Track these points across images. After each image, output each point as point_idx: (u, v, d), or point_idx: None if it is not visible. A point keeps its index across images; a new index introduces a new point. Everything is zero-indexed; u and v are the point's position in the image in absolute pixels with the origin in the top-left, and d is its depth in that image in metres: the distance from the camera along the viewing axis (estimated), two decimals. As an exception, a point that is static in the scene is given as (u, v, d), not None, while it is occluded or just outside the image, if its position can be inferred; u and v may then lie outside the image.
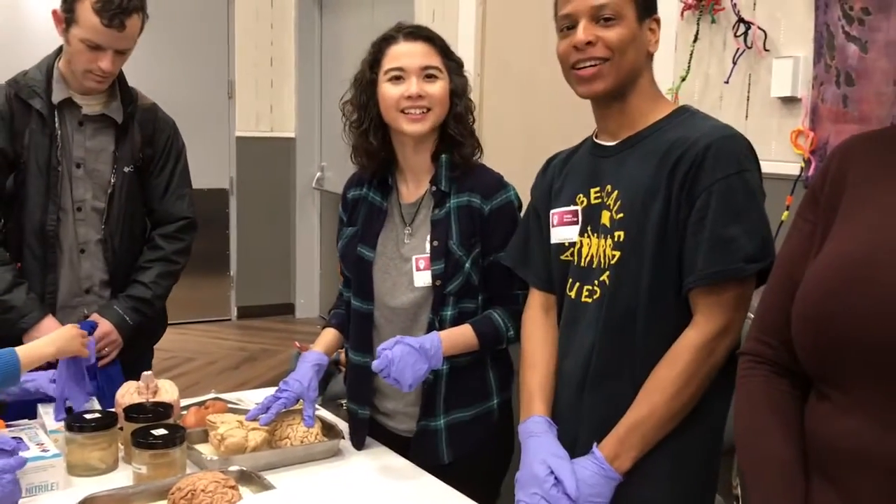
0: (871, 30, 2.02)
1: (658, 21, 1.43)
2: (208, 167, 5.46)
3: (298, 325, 5.63)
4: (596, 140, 1.49)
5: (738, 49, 2.33)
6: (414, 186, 1.72)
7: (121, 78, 2.05)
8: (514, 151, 3.40)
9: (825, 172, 1.09)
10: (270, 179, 5.70)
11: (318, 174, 5.68)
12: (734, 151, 1.32)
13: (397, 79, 1.63)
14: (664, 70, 2.45)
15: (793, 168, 2.20)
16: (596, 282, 1.40)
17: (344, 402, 1.95)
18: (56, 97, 1.98)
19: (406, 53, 1.64)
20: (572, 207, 1.46)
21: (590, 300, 1.41)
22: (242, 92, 5.54)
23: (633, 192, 1.37)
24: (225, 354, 5.02)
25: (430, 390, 1.67)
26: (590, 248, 1.42)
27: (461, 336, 1.63)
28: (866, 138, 1.09)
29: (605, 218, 1.40)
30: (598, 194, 1.42)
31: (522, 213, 1.66)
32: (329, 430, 1.74)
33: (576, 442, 1.40)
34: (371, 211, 1.74)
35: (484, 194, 1.66)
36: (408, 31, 1.66)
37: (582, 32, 1.36)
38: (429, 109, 1.63)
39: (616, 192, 1.39)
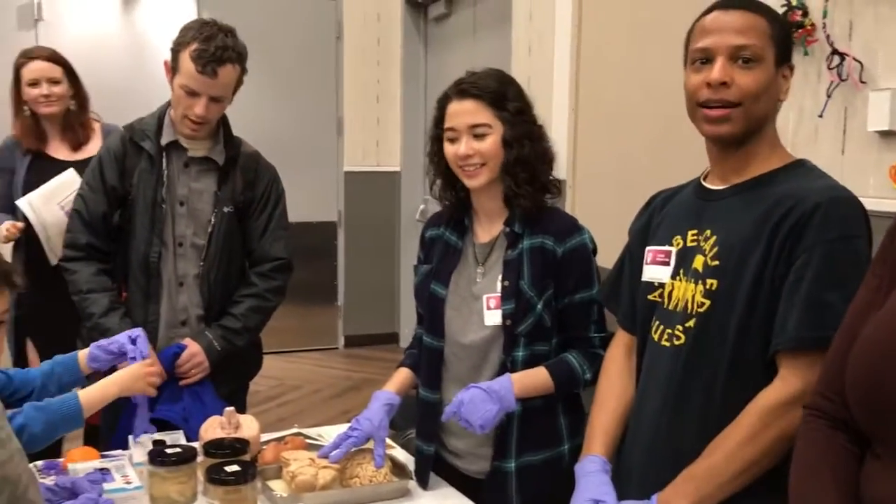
0: (973, 60, 1.90)
1: (792, 68, 1.38)
2: (318, 201, 5.68)
3: (402, 354, 5.72)
4: (703, 182, 1.45)
5: (832, 81, 2.24)
6: (488, 227, 1.75)
7: (225, 124, 2.21)
8: (608, 185, 3.37)
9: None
10: (376, 212, 5.85)
11: (422, 207, 5.78)
12: (844, 215, 1.27)
13: (452, 139, 1.68)
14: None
15: (891, 205, 2.08)
16: (679, 327, 1.37)
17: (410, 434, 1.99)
18: (164, 139, 2.15)
19: (456, 113, 1.67)
20: (667, 248, 1.43)
21: (668, 344, 1.38)
22: (350, 128, 5.73)
23: (731, 241, 1.33)
24: (330, 383, 5.16)
25: (504, 432, 1.67)
26: (679, 291, 1.39)
27: (534, 378, 1.64)
28: None
29: (699, 262, 1.37)
30: (695, 237, 1.39)
31: (620, 253, 1.64)
32: (399, 471, 1.77)
33: (632, 493, 1.37)
34: (447, 250, 1.78)
35: (557, 237, 1.67)
36: (458, 90, 1.69)
37: (718, 71, 1.31)
38: (483, 164, 1.66)
39: (714, 238, 1.36)
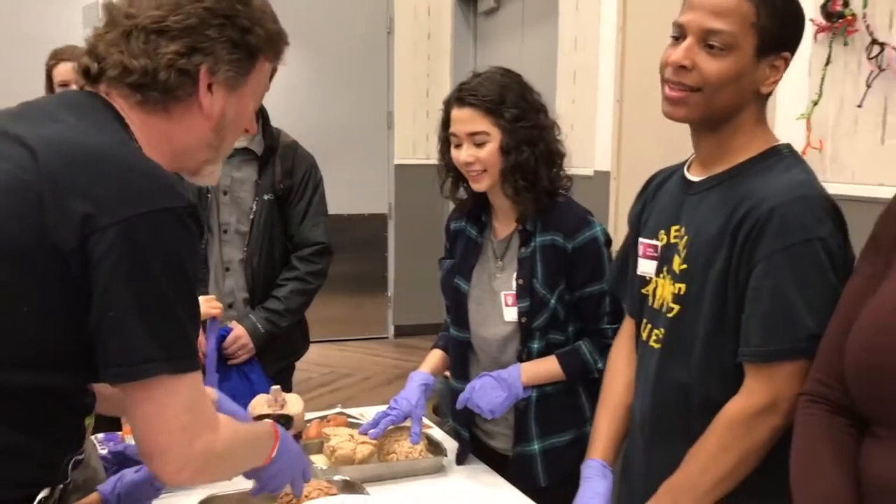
0: None
1: (786, 59, 1.27)
2: (369, 194, 5.80)
3: (450, 345, 5.81)
4: (686, 172, 1.41)
5: (871, 71, 2.23)
6: (505, 223, 1.81)
7: (263, 116, 2.30)
8: (654, 170, 3.38)
9: (889, 215, 1.09)
10: (426, 204, 5.92)
11: (471, 199, 5.85)
12: (801, 217, 1.19)
13: (456, 144, 1.73)
14: (797, 95, 2.39)
15: (930, 196, 2.08)
16: (661, 330, 1.36)
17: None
18: None
19: (457, 119, 1.72)
20: (654, 242, 1.41)
21: (654, 345, 1.38)
22: (400, 122, 5.82)
23: (698, 244, 1.30)
24: (380, 371, 5.27)
25: (522, 417, 1.75)
26: (662, 290, 1.37)
27: (544, 367, 1.71)
28: None
29: (675, 263, 1.34)
30: (677, 234, 1.36)
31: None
32: (434, 448, 1.85)
33: (640, 491, 1.39)
34: (468, 244, 1.85)
35: (566, 233, 1.71)
36: (458, 97, 1.72)
37: (680, 53, 1.24)
38: (483, 170, 1.70)
39: (686, 238, 1.33)
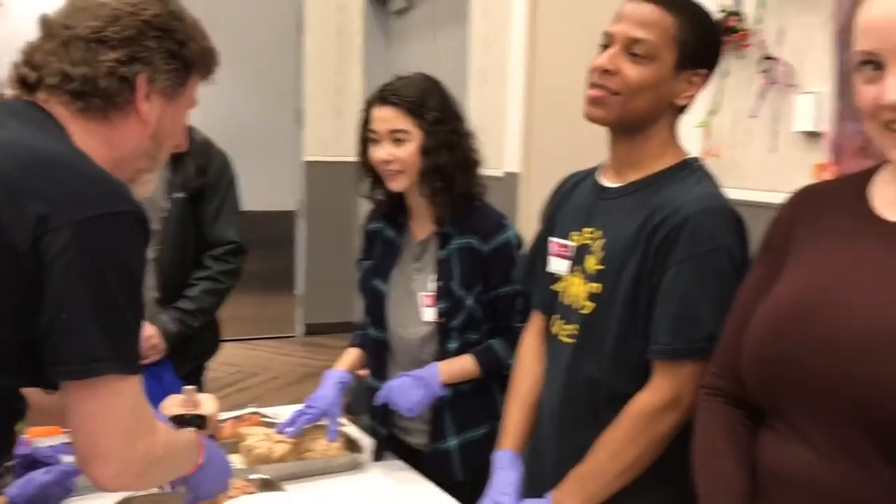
0: (888, 67, 2.05)
1: (703, 77, 1.36)
2: (277, 191, 5.74)
3: (360, 343, 5.82)
4: (598, 177, 1.48)
5: (763, 84, 2.38)
6: (423, 225, 1.84)
7: None
8: (561, 176, 3.48)
9: (779, 220, 1.17)
10: (338, 202, 5.92)
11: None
12: (710, 228, 1.30)
13: (375, 141, 1.76)
14: (697, 104, 2.50)
15: (815, 201, 2.24)
16: (573, 326, 1.43)
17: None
18: None
19: (377, 118, 1.75)
20: (566, 242, 1.48)
21: (565, 341, 1.45)
22: (311, 119, 5.79)
23: (614, 247, 1.37)
24: (288, 370, 5.23)
25: (438, 413, 1.79)
26: (574, 288, 1.44)
27: (459, 366, 1.76)
28: (823, 185, 1.19)
29: (589, 263, 1.42)
30: (590, 235, 1.43)
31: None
32: (351, 445, 1.87)
33: (547, 480, 1.44)
34: (386, 246, 1.88)
35: (482, 236, 1.76)
36: (380, 96, 1.76)
37: (605, 58, 1.33)
38: (400, 171, 1.74)
39: (602, 241, 1.40)
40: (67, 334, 0.98)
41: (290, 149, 5.80)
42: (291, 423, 1.81)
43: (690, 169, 1.39)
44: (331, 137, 5.86)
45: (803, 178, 2.30)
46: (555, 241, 1.50)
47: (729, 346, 1.16)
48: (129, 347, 1.04)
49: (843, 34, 2.14)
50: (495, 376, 1.80)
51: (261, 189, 5.77)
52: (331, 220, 5.90)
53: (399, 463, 1.86)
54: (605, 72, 1.33)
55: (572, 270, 1.45)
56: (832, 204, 1.11)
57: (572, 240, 1.47)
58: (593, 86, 1.36)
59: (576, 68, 3.34)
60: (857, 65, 1.02)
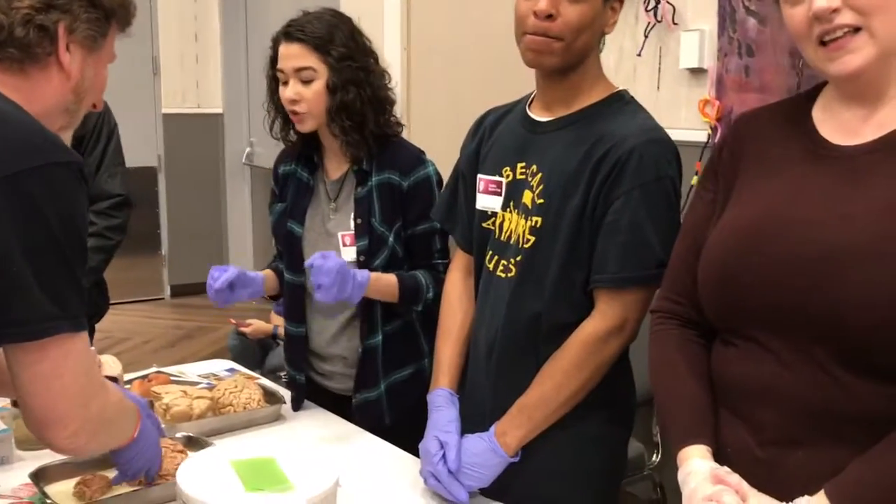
0: (767, 5, 2.16)
1: (622, 1, 1.38)
2: (135, 145, 5.35)
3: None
4: (529, 112, 1.46)
5: (649, 23, 2.46)
6: (337, 164, 1.79)
7: None
8: (442, 122, 3.48)
9: (723, 145, 1.20)
10: (199, 156, 5.67)
11: (248, 149, 5.66)
12: (657, 157, 1.32)
13: (283, 82, 1.70)
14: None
15: (701, 135, 2.35)
16: (512, 260, 1.42)
17: (283, 373, 2.04)
18: None
19: (284, 55, 1.69)
20: (497, 178, 1.46)
21: (503, 276, 1.44)
22: (167, 68, 5.47)
23: (555, 180, 1.37)
24: (160, 333, 5.01)
25: (367, 363, 1.76)
26: (510, 223, 1.43)
27: (386, 284, 1.70)
28: (761, 112, 1.19)
29: (527, 198, 1.41)
30: (524, 171, 1.42)
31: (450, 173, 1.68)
32: (271, 397, 1.82)
33: (485, 415, 1.46)
34: (299, 187, 1.82)
35: (402, 171, 1.73)
36: (285, 32, 1.70)
37: (545, 2, 1.30)
38: (306, 113, 1.69)
39: (540, 175, 1.39)
40: (15, 293, 0.92)
41: (146, 100, 5.46)
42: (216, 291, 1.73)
43: (623, 101, 1.41)
44: (189, 87, 5.58)
45: (689, 113, 2.41)
46: (484, 178, 1.49)
47: (680, 270, 1.20)
48: (78, 303, 0.98)
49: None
50: (420, 316, 1.79)
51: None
52: (192, 175, 5.64)
53: (321, 410, 1.83)
54: (548, 17, 1.31)
55: (506, 207, 1.45)
56: (778, 133, 1.13)
57: (505, 175, 1.45)
58: (532, 33, 1.33)
59: (453, 8, 3.36)
60: None
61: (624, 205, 1.32)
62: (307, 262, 1.61)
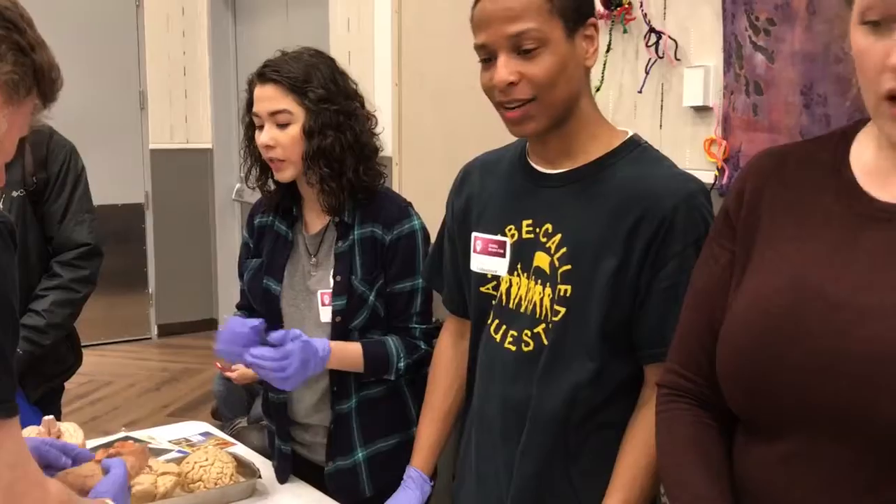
0: (776, 40, 2.04)
1: (595, 25, 1.23)
2: (122, 182, 5.29)
3: (223, 341, 5.49)
4: (530, 161, 1.31)
5: (650, 59, 2.34)
6: (317, 216, 1.67)
7: None
8: (434, 162, 3.37)
9: (740, 194, 1.02)
10: (188, 192, 5.53)
11: (238, 185, 5.53)
12: (701, 209, 1.20)
13: (259, 126, 1.59)
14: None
15: (707, 176, 2.22)
16: (529, 332, 1.27)
17: (266, 423, 1.89)
18: None
19: (259, 98, 1.58)
20: (500, 238, 1.31)
21: (514, 348, 1.28)
22: (155, 103, 5.36)
23: (581, 243, 1.22)
24: (146, 376, 4.85)
25: (340, 429, 1.62)
26: (520, 289, 1.28)
27: (351, 354, 1.57)
28: (778, 156, 1.02)
29: (543, 262, 1.26)
30: (531, 229, 1.27)
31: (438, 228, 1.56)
32: (244, 469, 1.67)
33: (504, 497, 1.31)
34: (277, 241, 1.69)
35: (385, 223, 1.61)
36: (260, 73, 1.58)
37: (501, 70, 1.17)
38: (283, 160, 1.57)
39: (559, 236, 1.24)
40: None
41: (133, 135, 5.34)
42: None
43: (639, 147, 1.27)
44: (177, 122, 5.46)
45: (694, 153, 2.29)
46: (482, 238, 1.34)
47: (693, 347, 1.03)
48: (5, 386, 0.84)
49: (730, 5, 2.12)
50: (407, 379, 1.65)
51: (104, 180, 5.23)
52: (180, 212, 5.51)
53: (300, 483, 1.69)
54: (510, 84, 1.18)
55: (513, 270, 1.29)
56: (805, 176, 0.96)
57: (509, 235, 1.31)
58: (503, 105, 1.21)
59: (445, 45, 3.25)
60: (858, 21, 0.85)
61: (679, 267, 1.18)
62: (275, 339, 1.47)
